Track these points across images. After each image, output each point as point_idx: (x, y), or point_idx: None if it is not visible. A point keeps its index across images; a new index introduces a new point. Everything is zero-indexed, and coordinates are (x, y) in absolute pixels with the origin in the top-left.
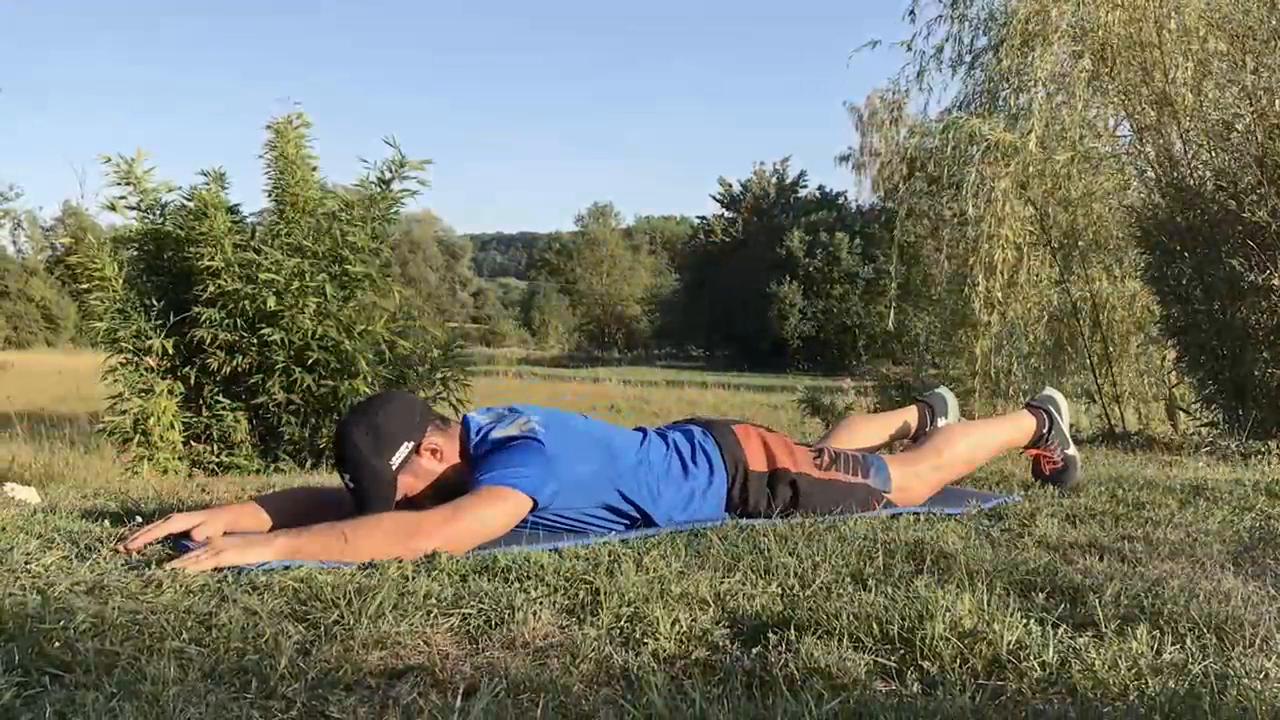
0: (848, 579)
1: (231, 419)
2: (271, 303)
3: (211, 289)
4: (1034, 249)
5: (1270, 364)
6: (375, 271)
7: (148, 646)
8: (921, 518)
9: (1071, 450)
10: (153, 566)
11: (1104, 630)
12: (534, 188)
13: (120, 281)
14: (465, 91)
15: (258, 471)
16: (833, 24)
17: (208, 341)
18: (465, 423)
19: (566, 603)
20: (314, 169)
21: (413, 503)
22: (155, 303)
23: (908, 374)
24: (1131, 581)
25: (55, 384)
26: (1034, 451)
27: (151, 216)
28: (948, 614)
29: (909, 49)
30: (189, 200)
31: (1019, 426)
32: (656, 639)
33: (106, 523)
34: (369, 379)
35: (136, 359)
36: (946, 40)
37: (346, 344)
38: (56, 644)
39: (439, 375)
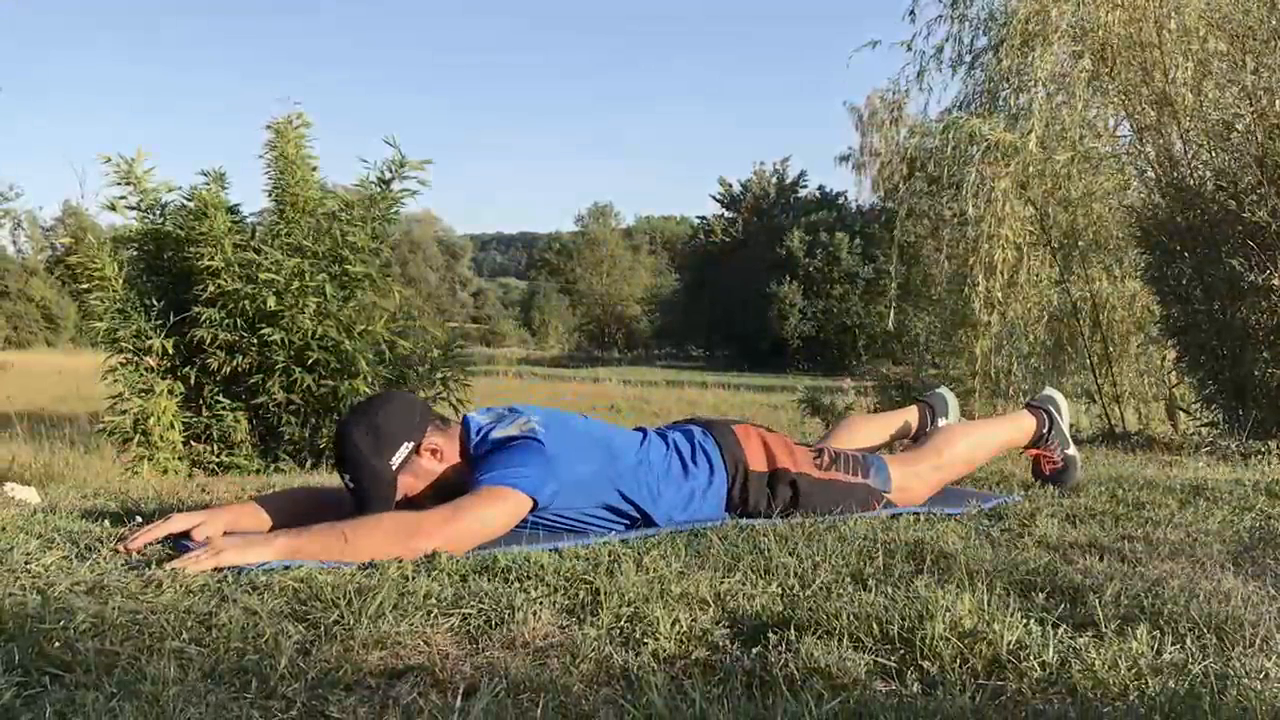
0: (848, 579)
1: (231, 419)
2: (271, 303)
3: (211, 289)
4: (1034, 249)
5: (1270, 364)
6: (375, 271)
7: (148, 646)
8: (921, 518)
9: (1071, 450)
10: (153, 566)
11: (1104, 630)
12: (534, 188)
13: (120, 281)
14: (465, 91)
15: (258, 471)
16: (833, 24)
17: (208, 341)
18: (465, 423)
19: (566, 603)
20: (314, 169)
21: (413, 503)
22: (155, 303)
23: (908, 374)
24: (1131, 581)
25: (55, 384)
26: (1034, 451)
27: (151, 216)
28: (948, 614)
29: (909, 49)
30: (189, 200)
31: (1019, 426)
32: (656, 639)
33: (106, 523)
34: (369, 379)
35: (136, 359)
36: (946, 40)
37: (346, 344)
38: (56, 644)
39: (439, 375)
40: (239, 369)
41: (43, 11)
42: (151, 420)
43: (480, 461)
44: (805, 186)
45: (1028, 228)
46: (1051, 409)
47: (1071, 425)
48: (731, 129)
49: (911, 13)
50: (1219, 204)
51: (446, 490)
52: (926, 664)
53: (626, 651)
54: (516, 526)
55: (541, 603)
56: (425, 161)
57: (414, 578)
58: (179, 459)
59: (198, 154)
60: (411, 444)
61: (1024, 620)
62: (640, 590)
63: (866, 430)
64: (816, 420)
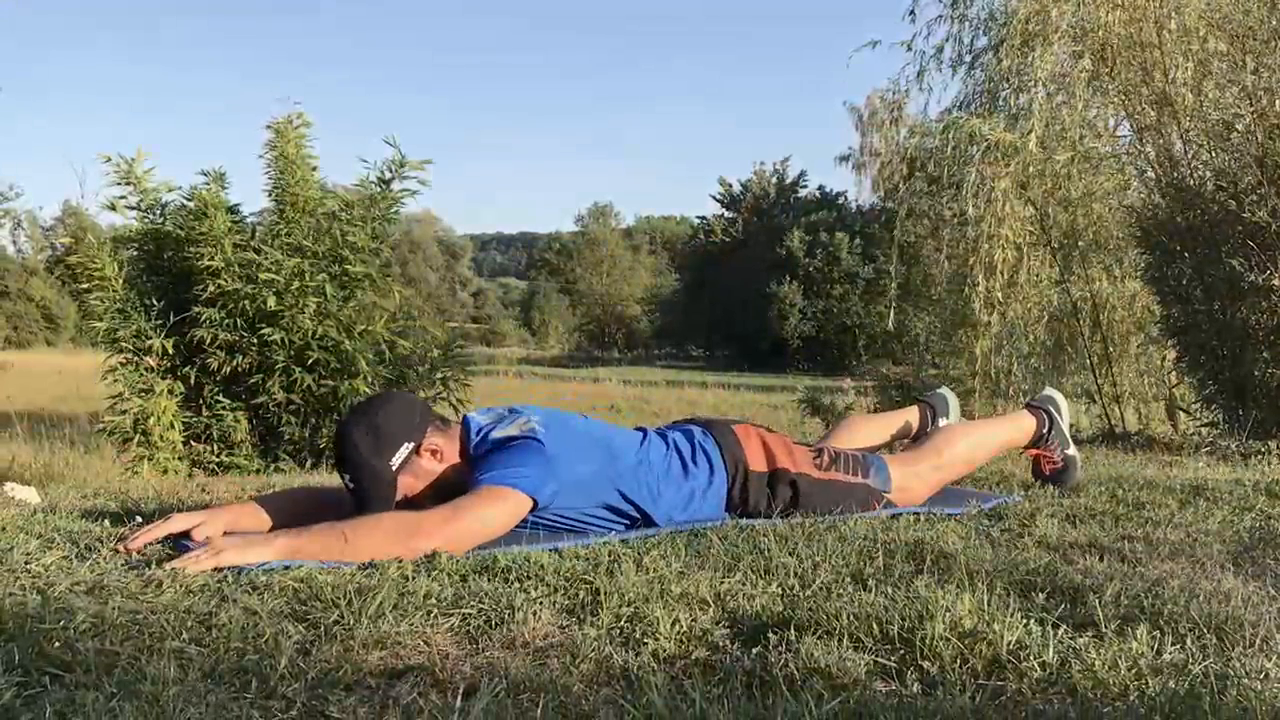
0: (848, 579)
1: (231, 419)
2: (271, 303)
3: (211, 289)
4: (1034, 249)
5: (1270, 364)
6: (375, 271)
7: (148, 646)
8: (921, 518)
9: (1071, 450)
10: (153, 566)
11: (1104, 630)
12: (534, 188)
13: (120, 281)
14: (465, 91)
15: (258, 471)
16: (833, 24)
17: (208, 341)
18: (465, 423)
19: (566, 603)
20: (314, 169)
21: (413, 503)
22: (155, 303)
23: (908, 374)
24: (1131, 581)
25: (55, 384)
26: (1034, 451)
27: (151, 216)
28: (948, 614)
29: (909, 49)
30: (189, 200)
31: (1019, 426)
32: (656, 639)
33: (106, 523)
34: (369, 379)
35: (136, 359)
36: (946, 40)
37: (346, 344)
38: (56, 644)
39: (439, 375)
40: (239, 369)
41: (43, 11)
42: (151, 420)
43: (480, 461)
44: (805, 186)
45: (1028, 228)
46: (1051, 409)
47: (1071, 425)
48: (731, 129)
49: (911, 13)
50: (1219, 204)
51: (446, 490)
52: (926, 664)
53: (626, 651)
54: (516, 526)
55: (541, 603)
56: (425, 161)
57: (414, 578)
58: (179, 459)
59: (198, 154)
60: (411, 444)
61: (1024, 620)
62: (640, 590)
63: (867, 430)
64: (816, 420)
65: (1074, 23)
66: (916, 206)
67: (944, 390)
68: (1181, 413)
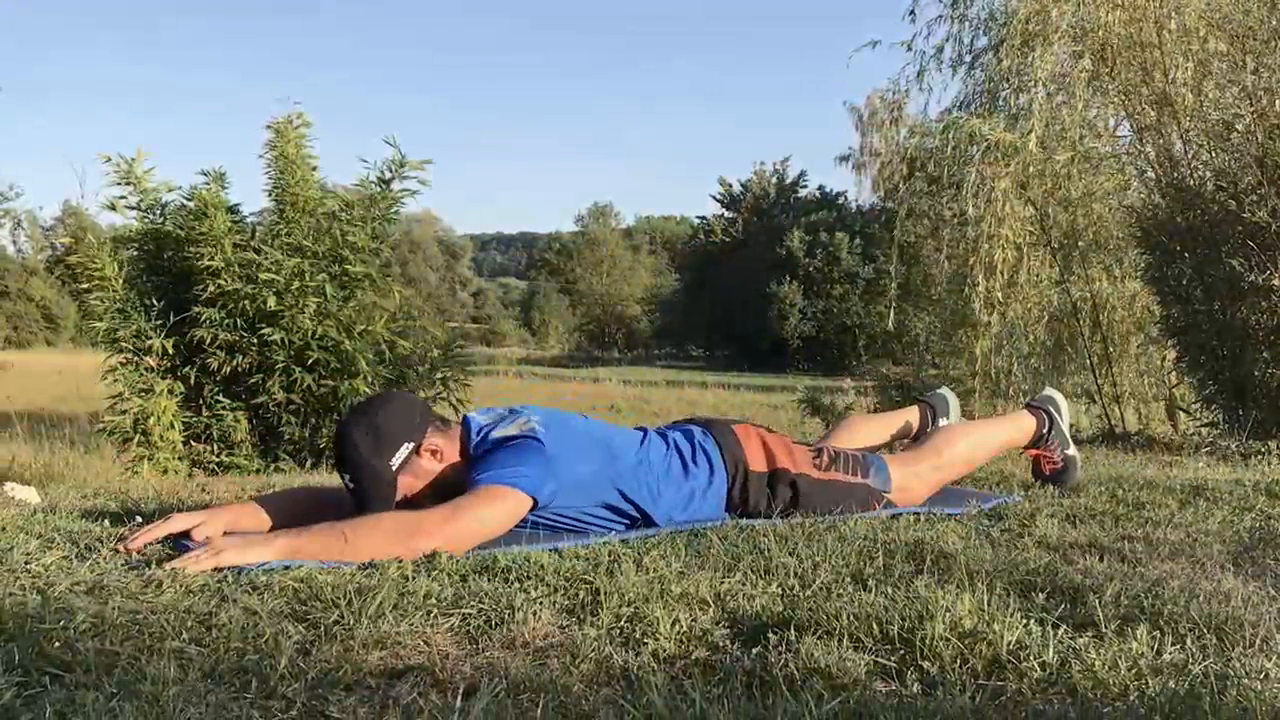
0: (848, 579)
1: (231, 419)
2: (271, 303)
3: (211, 289)
4: (1034, 249)
5: (1270, 364)
6: (375, 271)
7: (148, 646)
8: (921, 518)
9: (1071, 450)
10: (153, 566)
11: (1104, 630)
12: (534, 188)
13: (120, 281)
14: (465, 91)
15: (258, 471)
16: (833, 24)
17: (208, 341)
18: (465, 423)
19: (566, 603)
20: (314, 169)
21: (413, 503)
22: (155, 303)
23: (908, 374)
24: (1131, 581)
25: (55, 384)
26: (1034, 452)
27: (151, 216)
28: (948, 614)
29: (909, 49)
30: (189, 200)
31: (1019, 426)
32: (656, 639)
33: (106, 523)
34: (369, 379)
35: (136, 359)
36: (946, 40)
37: (346, 344)
38: (56, 644)
39: (439, 375)
40: (239, 369)
41: (43, 11)
42: (151, 420)
43: (480, 461)
44: (805, 186)
45: (1028, 228)
46: (1051, 409)
47: (1071, 425)
48: (731, 129)
49: (911, 13)
50: (1219, 204)
51: (446, 490)
52: (926, 664)
53: (626, 651)
54: (516, 526)
55: (541, 603)
56: (425, 161)
57: (414, 578)
58: (179, 459)
59: (198, 154)
60: (412, 444)
61: (1024, 620)
62: (640, 590)
63: (867, 430)
64: (816, 420)
65: (1074, 23)
66: (916, 206)
67: (944, 390)
68: (1181, 413)
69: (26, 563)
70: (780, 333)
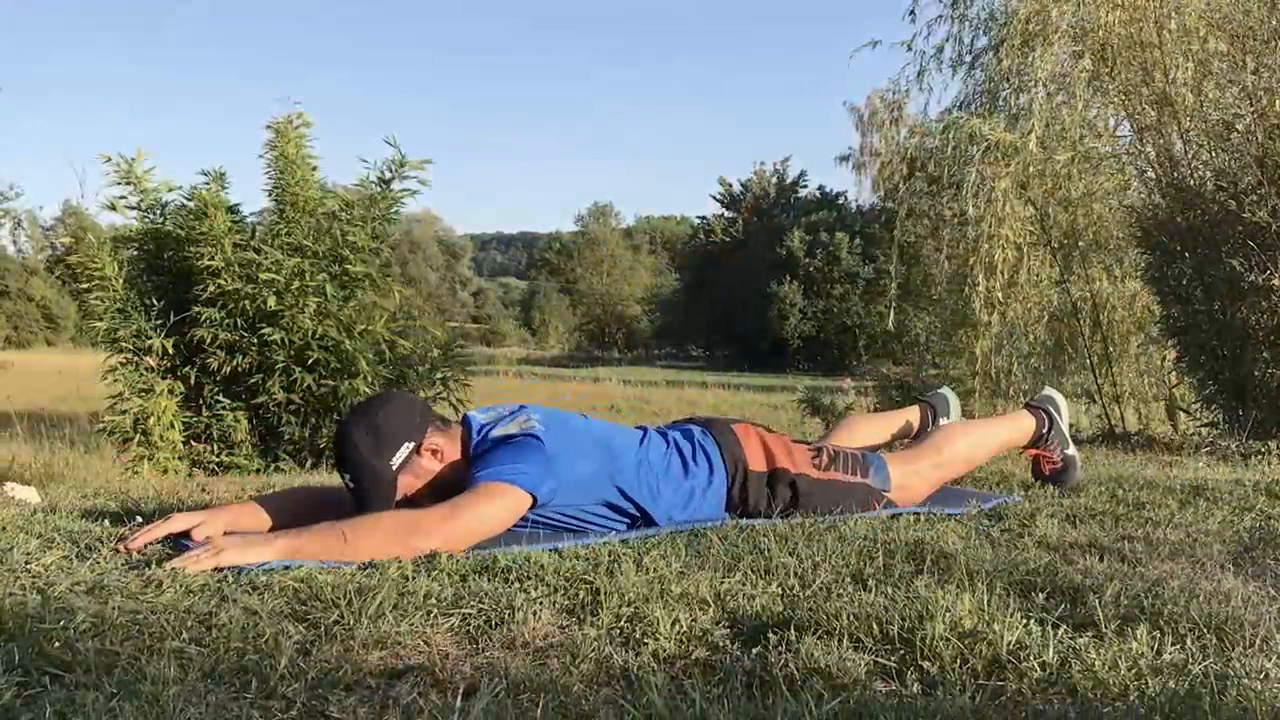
0: (848, 579)
1: (231, 419)
2: (271, 302)
3: (211, 289)
4: (1034, 249)
5: (1270, 364)
6: (375, 271)
7: (148, 646)
8: (921, 518)
9: (1071, 450)
10: (153, 566)
11: (1104, 630)
12: (534, 188)
13: (120, 281)
14: (465, 91)
15: (258, 471)
16: (833, 24)
17: (208, 341)
18: (466, 421)
19: (566, 603)
20: (314, 169)
21: (412, 502)
22: (155, 302)
23: (908, 374)
24: (1131, 581)
25: (55, 384)
26: (1033, 451)
27: (152, 216)
28: (948, 614)
29: (909, 49)
30: (189, 200)
31: (1018, 426)
32: (656, 639)
33: (106, 523)
34: (369, 379)
35: (136, 359)
36: (947, 40)
37: (346, 344)
38: (56, 644)
39: (439, 375)
40: (239, 369)
41: (43, 11)
42: (151, 420)
43: (479, 459)
44: (805, 186)
45: (1028, 228)
46: (1051, 409)
47: (1071, 425)
48: (731, 129)
49: (911, 13)
50: (1219, 204)
51: (447, 489)
52: (926, 664)
53: (626, 651)
54: (517, 525)
55: (541, 603)
56: (425, 161)
57: (414, 578)
58: (179, 459)
59: (198, 154)
60: (412, 444)
61: (1024, 620)
62: (640, 590)
63: (867, 429)
64: (816, 420)
65: (1074, 23)
66: (916, 206)
67: (945, 390)
68: (1181, 413)
69: (26, 563)
70: (780, 333)
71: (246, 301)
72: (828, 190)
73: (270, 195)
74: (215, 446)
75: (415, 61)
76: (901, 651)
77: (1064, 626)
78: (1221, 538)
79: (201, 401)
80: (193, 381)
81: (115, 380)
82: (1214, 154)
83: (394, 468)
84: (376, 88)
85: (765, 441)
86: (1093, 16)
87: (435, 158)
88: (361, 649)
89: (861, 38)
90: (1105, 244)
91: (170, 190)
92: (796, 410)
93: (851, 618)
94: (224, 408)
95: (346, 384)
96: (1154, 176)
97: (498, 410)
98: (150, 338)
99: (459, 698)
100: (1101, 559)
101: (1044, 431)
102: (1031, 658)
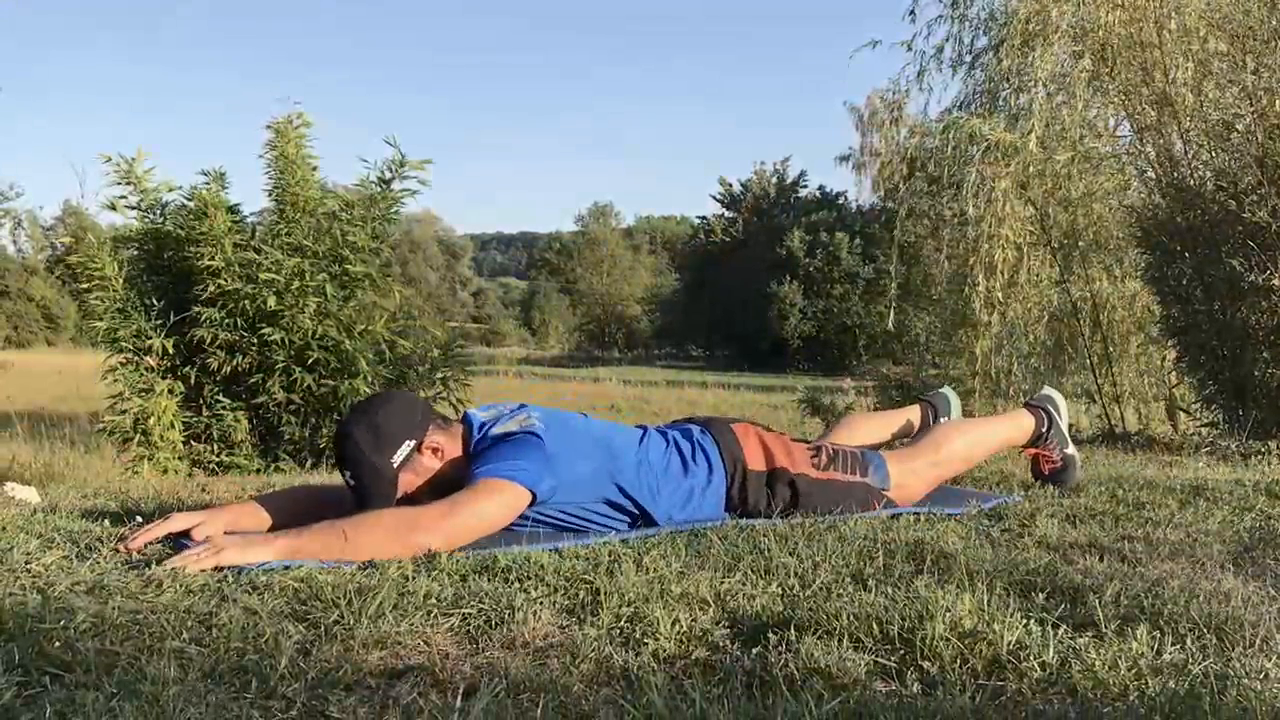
0: (848, 579)
1: (231, 419)
2: (272, 302)
3: (212, 289)
4: (1034, 249)
5: (1270, 364)
6: (375, 271)
7: (148, 646)
8: (921, 518)
9: (1071, 449)
10: (153, 566)
11: (1104, 630)
12: (534, 188)
13: (120, 281)
14: (465, 91)
15: (258, 471)
16: (833, 24)
17: (208, 341)
18: (467, 419)
19: (566, 603)
20: (314, 169)
21: (413, 500)
22: (155, 302)
23: (908, 374)
24: (1131, 581)
25: (55, 384)
26: (1033, 450)
27: (152, 216)
28: (948, 614)
29: (909, 49)
30: (189, 200)
31: (1018, 425)
32: (656, 639)
33: (106, 523)
34: (369, 379)
35: (136, 359)
36: (946, 40)
37: (347, 344)
38: (56, 644)
39: (439, 375)
40: (239, 369)
41: (43, 11)
42: (151, 420)
43: (479, 456)
44: (805, 186)
45: (1028, 228)
46: (1050, 408)
47: (1071, 425)
48: (731, 129)
49: (911, 13)
50: (1219, 204)
51: (446, 487)
52: (926, 664)
53: (626, 651)
54: (517, 524)
55: (541, 603)
56: (425, 161)
57: (414, 578)
58: (179, 459)
59: (198, 154)
60: (413, 442)
61: (1024, 620)
62: (640, 590)
63: (867, 427)
64: (816, 420)
65: (1074, 23)
66: (916, 206)
67: (946, 390)
68: (1181, 413)
69: (26, 563)
70: (780, 333)
71: (246, 301)
72: (828, 190)
73: (270, 195)
74: (215, 446)
75: (415, 61)
76: (901, 651)
77: (1064, 626)
78: (1221, 538)
79: (201, 401)
80: (193, 381)
81: (115, 380)
82: (1214, 154)
83: (395, 465)
84: (376, 88)
85: (764, 441)
86: (1093, 16)
87: (435, 158)
88: (361, 649)
89: (861, 38)
90: (1105, 244)
91: (170, 190)
92: (796, 410)
93: (851, 618)
94: (224, 408)
95: (346, 384)
96: (1154, 176)
97: (498, 408)
98: (150, 338)
99: (459, 698)
100: (1101, 559)
101: (1043, 430)
102: (1031, 658)
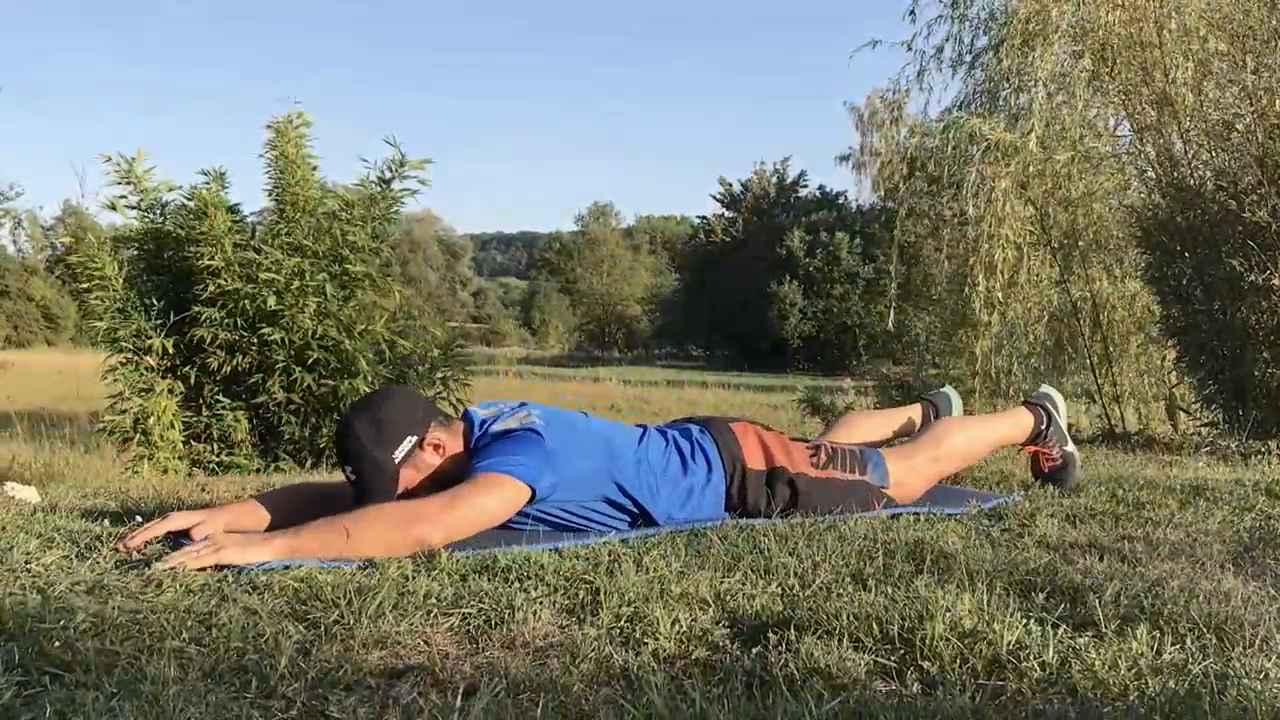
0: (848, 579)
1: (231, 418)
2: (271, 302)
3: (212, 288)
4: (1034, 249)
5: (1270, 364)
6: (375, 271)
7: (148, 646)
8: (921, 518)
9: (1070, 447)
10: (152, 565)
11: (1104, 630)
12: (534, 188)
13: (120, 281)
14: (465, 91)
15: (258, 471)
16: (833, 24)
17: (208, 341)
18: (468, 416)
19: (566, 603)
20: (314, 168)
21: (414, 496)
22: (155, 302)
23: (908, 374)
24: (1131, 581)
25: (55, 383)
26: (1032, 448)
27: (152, 216)
28: (948, 614)
29: (909, 49)
30: (189, 200)
31: (1017, 423)
32: (656, 639)
33: (106, 522)
34: (369, 378)
35: (136, 358)
36: (947, 40)
37: (346, 343)
38: (56, 644)
39: (439, 375)
40: (239, 368)
41: (43, 11)
42: (151, 420)
43: (479, 452)
44: (805, 186)
45: (1028, 228)
46: (1049, 405)
47: (1071, 425)
48: (731, 129)
49: (912, 13)
50: (1219, 204)
51: (447, 483)
52: (926, 664)
53: (626, 651)
54: (517, 523)
55: (541, 603)
56: (425, 161)
57: (414, 577)
58: (179, 458)
59: (198, 154)
60: (415, 438)
61: (1024, 620)
62: (640, 590)
63: (867, 426)
64: (816, 420)
65: (1074, 23)
66: (916, 206)
67: (947, 389)
68: (1181, 413)
69: (26, 563)
70: (780, 333)
71: (246, 301)
72: (828, 190)
73: (270, 195)
74: (215, 446)
75: (415, 61)
76: (901, 651)
77: (1064, 626)
78: (1221, 538)
79: (201, 401)
80: (193, 381)
81: (115, 380)
82: (1214, 154)
83: (396, 460)
84: (376, 88)
85: (763, 440)
86: (1093, 16)
87: (436, 158)
88: (361, 649)
89: (861, 38)
90: (1105, 244)
91: (170, 190)
92: (796, 410)
93: (851, 618)
94: (224, 407)
95: (346, 384)
96: (1154, 176)
97: (499, 406)
98: (150, 337)
99: (459, 698)
100: (1101, 559)
101: (1042, 428)
102: (1031, 658)
